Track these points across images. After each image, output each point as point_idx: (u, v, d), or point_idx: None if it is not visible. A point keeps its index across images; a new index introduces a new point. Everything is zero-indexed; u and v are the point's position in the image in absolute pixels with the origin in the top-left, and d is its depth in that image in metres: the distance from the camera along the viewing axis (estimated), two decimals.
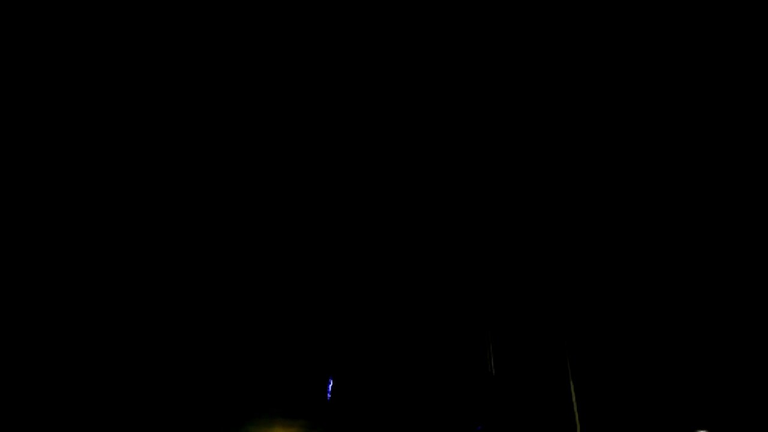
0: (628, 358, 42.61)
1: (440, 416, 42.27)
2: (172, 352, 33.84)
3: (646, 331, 42.81)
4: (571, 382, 37.39)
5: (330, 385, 46.51)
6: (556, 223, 37.40)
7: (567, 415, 35.93)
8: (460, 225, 40.08)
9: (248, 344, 38.52)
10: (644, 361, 43.46)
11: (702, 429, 38.68)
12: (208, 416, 33.22)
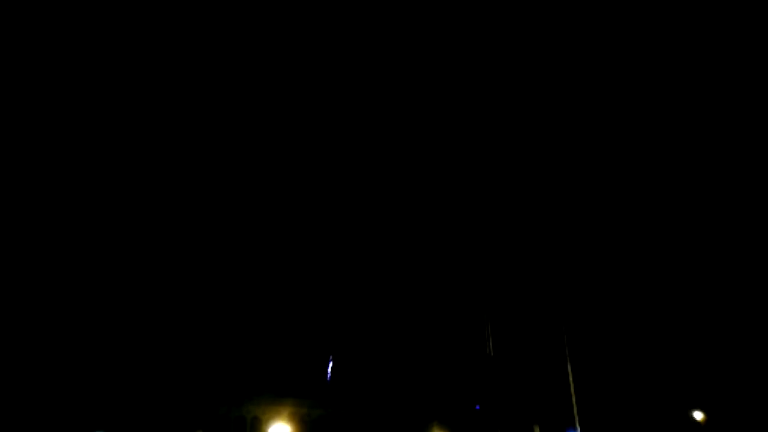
0: (624, 339, 41.79)
1: (439, 396, 43.55)
2: (177, 332, 36.16)
3: (642, 311, 41.75)
4: (569, 363, 37.45)
5: (330, 366, 48.57)
6: (553, 209, 36.90)
7: (564, 395, 36.25)
8: (459, 211, 40.00)
9: (251, 326, 40.47)
10: (640, 341, 42.52)
11: (696, 409, 38.03)
12: (212, 395, 35.82)
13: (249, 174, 43.98)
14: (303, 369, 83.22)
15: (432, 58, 47.10)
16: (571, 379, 41.13)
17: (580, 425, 40.79)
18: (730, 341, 43.84)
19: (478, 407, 46.90)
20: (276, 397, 76.81)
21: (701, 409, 41.10)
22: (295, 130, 46.19)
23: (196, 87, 41.01)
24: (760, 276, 42.29)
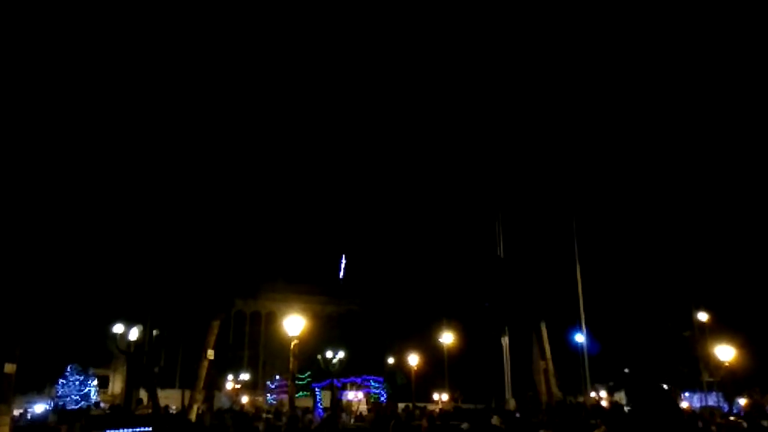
0: (633, 239, 41.61)
1: (449, 294, 44.34)
2: (192, 227, 36.64)
3: (652, 208, 41.54)
4: (578, 266, 37.65)
5: (343, 264, 49.39)
6: (566, 117, 36.08)
7: (572, 297, 36.62)
8: (472, 114, 39.29)
9: (267, 225, 40.78)
10: (648, 247, 42.30)
11: (702, 308, 38.36)
12: (229, 290, 36.63)
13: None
14: (316, 267, 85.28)
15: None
16: (579, 278, 41.62)
17: (586, 324, 41.72)
18: (740, 240, 43.99)
19: (487, 304, 47.92)
20: (290, 293, 79.08)
21: (707, 308, 41.77)
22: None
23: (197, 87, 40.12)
24: None
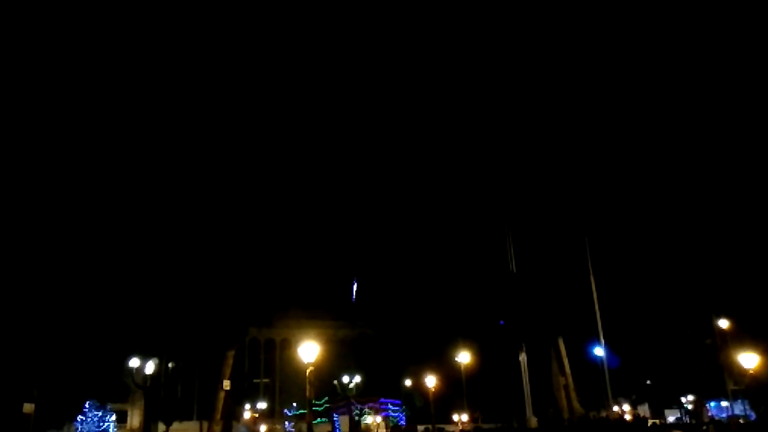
0: (647, 253, 41.18)
1: (464, 312, 43.89)
2: (206, 256, 36.59)
3: (665, 219, 41.07)
4: (592, 278, 37.28)
5: (355, 287, 49.14)
6: (576, 128, 36.02)
7: (588, 307, 36.14)
8: (482, 130, 39.33)
9: (278, 251, 40.71)
10: (663, 256, 41.84)
11: (721, 316, 37.79)
12: (243, 318, 36.48)
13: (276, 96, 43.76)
14: (328, 291, 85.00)
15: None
16: (594, 290, 41.23)
17: (604, 337, 41.20)
18: (757, 246, 43.42)
19: (502, 322, 47.48)
20: (304, 319, 78.80)
21: (726, 316, 41.09)
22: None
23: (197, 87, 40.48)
24: None
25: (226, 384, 31.14)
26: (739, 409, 45.38)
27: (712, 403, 55.76)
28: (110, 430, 60.14)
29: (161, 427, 39.53)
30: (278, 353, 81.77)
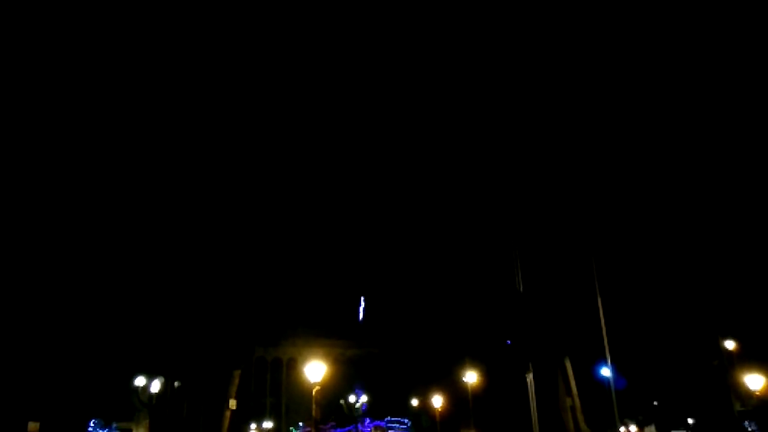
0: (654, 273, 41.12)
1: (471, 332, 43.92)
2: (215, 276, 36.76)
3: (672, 239, 41.10)
4: (599, 299, 37.29)
5: (362, 306, 49.23)
6: (584, 148, 36.21)
7: (595, 331, 36.17)
8: (489, 150, 39.46)
9: (285, 271, 40.91)
10: (670, 277, 41.88)
11: (727, 337, 37.67)
12: (250, 337, 36.63)
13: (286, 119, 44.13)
14: (335, 310, 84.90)
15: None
16: (601, 311, 41.01)
17: (611, 358, 40.95)
18: (763, 278, 43.25)
19: (509, 342, 47.37)
20: (310, 338, 78.71)
21: (733, 337, 40.86)
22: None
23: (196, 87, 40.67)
24: None
25: (232, 403, 31.22)
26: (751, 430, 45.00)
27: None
28: None
29: None
30: (285, 372, 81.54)
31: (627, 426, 51.71)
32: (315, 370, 23.25)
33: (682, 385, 50.02)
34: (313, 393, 23.35)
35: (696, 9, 40.30)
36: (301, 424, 61.57)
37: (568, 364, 39.55)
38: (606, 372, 44.11)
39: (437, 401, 48.98)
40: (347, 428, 50.11)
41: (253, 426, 69.91)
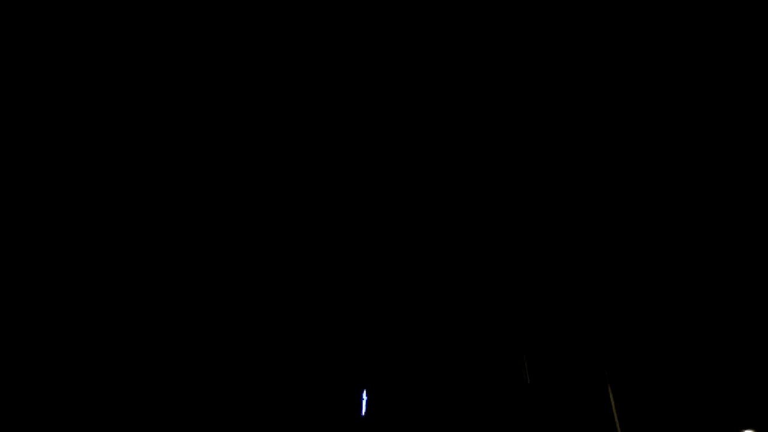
0: (668, 363, 40.13)
1: (476, 425, 42.08)
2: (201, 383, 35.71)
3: (688, 337, 40.18)
4: (610, 391, 36.03)
5: (364, 400, 47.14)
6: (594, 233, 35.96)
7: (607, 425, 34.65)
8: (494, 233, 39.31)
9: (283, 360, 40.06)
10: (686, 367, 40.76)
11: (748, 429, 36.02)
12: None
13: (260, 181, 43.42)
14: (336, 405, 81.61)
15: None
16: (614, 407, 39.34)
17: None
18: None
19: None
20: None
21: (754, 428, 38.94)
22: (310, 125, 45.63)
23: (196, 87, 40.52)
24: None
25: None
26: None
27: None
28: None
29: None
30: None
31: None
32: None
33: None
34: None
35: (696, 9, 40.45)
36: None
37: None
38: None
39: None
40: None
41: None
